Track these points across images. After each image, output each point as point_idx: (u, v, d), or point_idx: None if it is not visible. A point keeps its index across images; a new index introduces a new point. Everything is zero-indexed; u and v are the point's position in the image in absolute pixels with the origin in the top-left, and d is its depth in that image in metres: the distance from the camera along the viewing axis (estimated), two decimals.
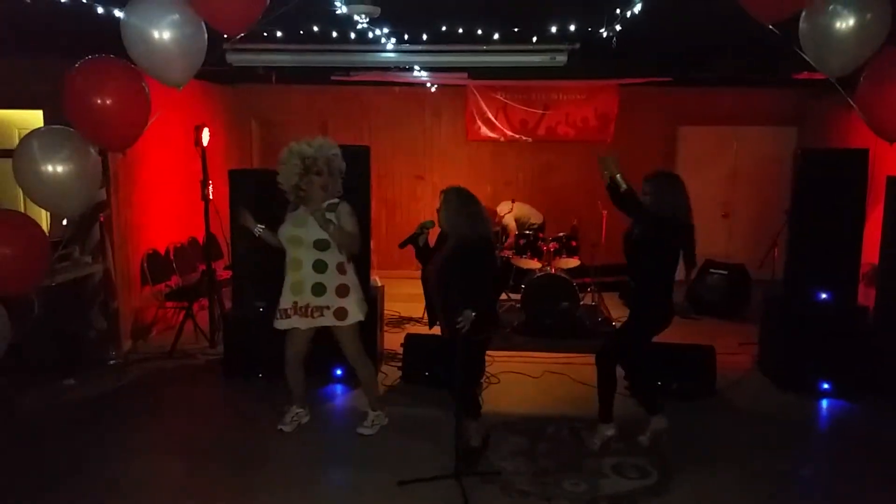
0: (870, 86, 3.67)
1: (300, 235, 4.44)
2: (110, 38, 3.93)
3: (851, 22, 3.33)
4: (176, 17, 3.33)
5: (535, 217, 8.87)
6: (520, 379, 5.88)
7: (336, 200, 4.51)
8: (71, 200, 3.51)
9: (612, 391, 4.55)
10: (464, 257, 4.03)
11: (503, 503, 3.89)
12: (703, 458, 4.43)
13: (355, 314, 4.54)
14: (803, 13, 3.47)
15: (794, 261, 5.76)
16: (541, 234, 7.78)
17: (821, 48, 3.48)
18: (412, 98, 9.61)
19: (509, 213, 8.50)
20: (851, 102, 3.80)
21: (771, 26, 3.51)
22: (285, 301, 4.51)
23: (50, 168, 3.37)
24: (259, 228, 4.66)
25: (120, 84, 3.44)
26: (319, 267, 4.44)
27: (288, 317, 4.51)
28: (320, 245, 4.41)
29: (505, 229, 8.39)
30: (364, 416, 4.82)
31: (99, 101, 3.37)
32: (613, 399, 4.56)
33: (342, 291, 4.49)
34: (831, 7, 3.37)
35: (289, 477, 4.17)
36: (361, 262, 5.63)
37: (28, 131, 6.44)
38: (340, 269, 4.50)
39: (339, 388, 5.59)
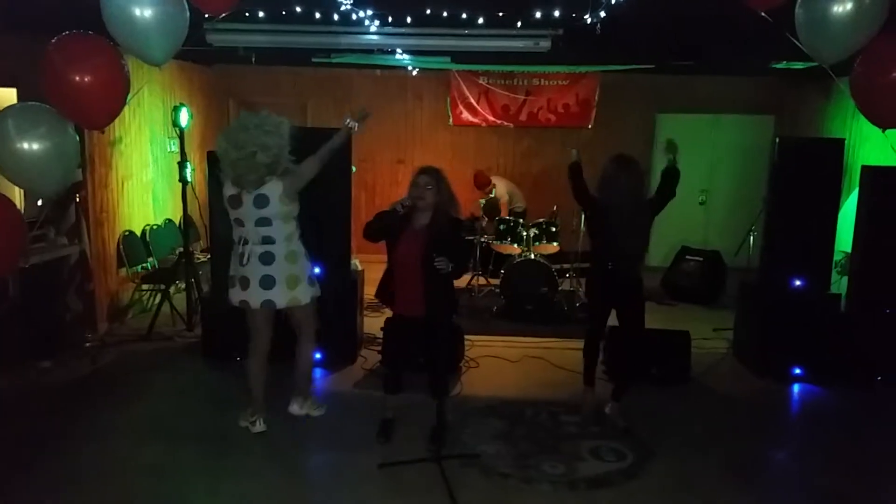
0: (864, 73, 3.70)
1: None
2: (87, 15, 3.86)
3: (847, 9, 3.35)
4: None
5: (521, 202, 8.94)
6: (499, 363, 5.92)
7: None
8: (48, 179, 3.43)
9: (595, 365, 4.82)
10: (453, 234, 4.15)
11: (483, 485, 3.93)
12: (678, 443, 4.50)
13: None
14: (798, 0, 3.48)
15: (770, 248, 5.85)
16: (521, 221, 7.80)
17: (815, 35, 3.50)
18: (394, 82, 9.56)
19: (501, 184, 8.66)
20: (845, 89, 3.84)
21: (763, 13, 3.53)
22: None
23: (26, 146, 3.29)
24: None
25: (99, 61, 3.36)
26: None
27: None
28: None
29: (494, 201, 8.39)
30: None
31: (77, 79, 3.29)
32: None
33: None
34: None
35: (269, 459, 4.17)
36: (342, 244, 5.66)
37: (1, 108, 6.41)
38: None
39: (318, 372, 5.58)
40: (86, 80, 3.31)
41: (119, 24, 3.28)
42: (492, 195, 8.48)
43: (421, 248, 4.07)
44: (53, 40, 3.36)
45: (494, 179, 8.80)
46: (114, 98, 3.50)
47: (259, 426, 4.45)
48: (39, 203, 5.49)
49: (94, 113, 3.52)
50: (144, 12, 3.25)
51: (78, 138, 3.52)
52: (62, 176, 3.50)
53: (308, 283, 4.36)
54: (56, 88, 3.36)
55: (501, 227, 7.76)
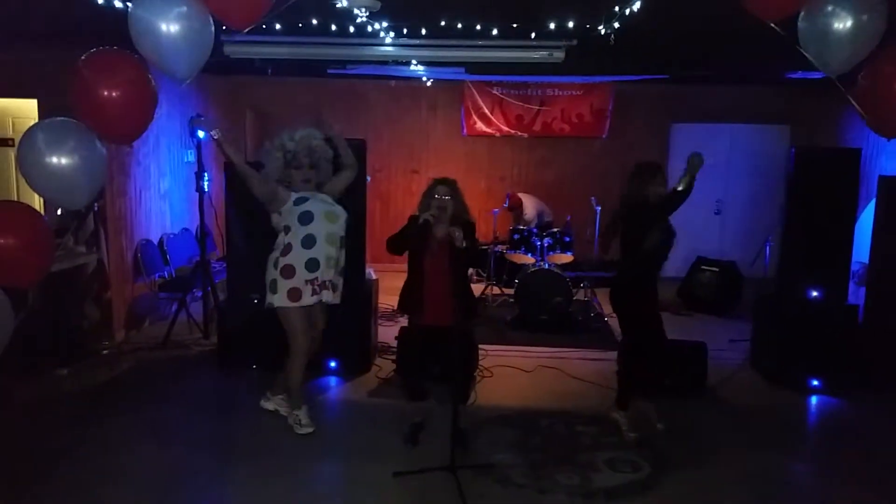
0: (869, 83, 3.70)
1: (335, 212, 4.48)
2: (108, 28, 3.92)
3: (849, 21, 3.36)
4: (184, 9, 3.30)
5: (549, 216, 8.98)
6: (513, 373, 5.91)
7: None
8: (76, 193, 3.49)
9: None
10: (469, 237, 4.28)
11: (498, 495, 3.91)
12: (694, 454, 4.47)
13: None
14: (801, 12, 3.49)
15: (786, 259, 5.81)
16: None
17: (820, 46, 3.50)
18: (408, 92, 9.62)
19: (530, 205, 8.75)
20: (851, 99, 3.84)
21: (773, 24, 3.53)
22: (322, 275, 4.41)
23: (55, 160, 3.36)
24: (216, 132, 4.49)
25: (128, 77, 3.42)
26: (343, 244, 4.51)
27: (317, 293, 4.44)
28: (348, 222, 4.53)
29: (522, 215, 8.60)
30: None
31: (106, 94, 3.35)
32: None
33: (340, 271, 4.59)
34: (830, 7, 3.40)
35: (283, 467, 4.18)
36: (356, 253, 5.68)
37: (22, 119, 6.50)
38: (342, 245, 4.57)
39: (332, 381, 5.60)
40: (114, 95, 3.36)
41: (146, 39, 3.31)
42: (525, 216, 8.54)
43: (447, 257, 4.19)
44: (83, 56, 3.42)
45: (523, 199, 8.82)
46: (142, 113, 3.56)
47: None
48: (59, 212, 5.57)
49: (123, 129, 3.57)
50: (171, 28, 3.28)
51: (105, 152, 3.57)
52: (89, 189, 3.55)
53: (269, 290, 4.49)
54: (85, 104, 3.41)
55: (516, 237, 7.77)
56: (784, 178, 6.31)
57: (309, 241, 4.36)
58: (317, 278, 4.39)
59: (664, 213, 4.49)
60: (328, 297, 4.48)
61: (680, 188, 4.41)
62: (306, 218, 4.37)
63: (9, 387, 5.18)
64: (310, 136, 4.52)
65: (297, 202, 4.43)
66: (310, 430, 4.57)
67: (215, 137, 4.44)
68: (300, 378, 4.61)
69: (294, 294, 4.39)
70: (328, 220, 4.42)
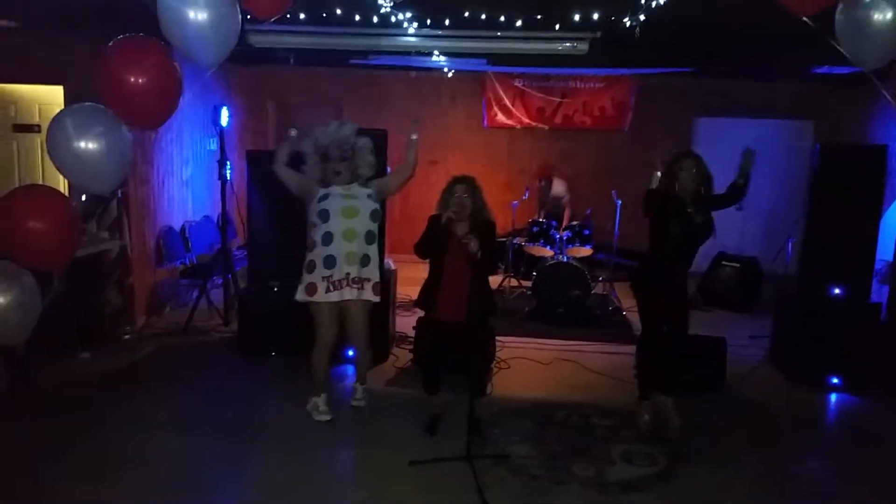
0: None
1: (355, 206, 4.46)
2: (132, 14, 3.95)
3: (891, 13, 3.30)
4: None
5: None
6: (530, 365, 5.92)
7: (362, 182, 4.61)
8: (103, 177, 3.54)
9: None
10: (489, 236, 4.34)
11: (513, 485, 3.94)
12: (712, 449, 4.46)
13: (378, 292, 4.62)
14: (840, 5, 3.43)
15: (809, 255, 5.75)
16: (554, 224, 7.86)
17: (857, 40, 3.44)
18: (428, 83, 9.60)
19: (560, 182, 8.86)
20: (886, 94, 3.78)
21: (805, 18, 3.48)
22: (337, 273, 4.42)
23: (83, 145, 3.41)
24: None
25: (155, 63, 3.46)
26: (370, 239, 4.52)
27: (332, 290, 4.45)
28: (374, 216, 4.52)
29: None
30: (353, 390, 4.90)
31: (133, 80, 3.39)
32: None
33: (379, 268, 4.62)
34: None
35: (300, 454, 4.22)
36: (378, 244, 5.71)
37: (48, 106, 6.58)
38: (379, 247, 4.63)
39: (349, 369, 5.63)
40: (141, 81, 3.41)
41: (174, 26, 3.35)
42: (553, 191, 8.67)
43: (465, 255, 4.20)
44: (111, 43, 3.46)
45: (555, 177, 8.88)
46: (169, 99, 3.60)
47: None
48: (83, 198, 5.64)
49: (149, 114, 3.62)
50: (199, 16, 3.31)
51: (131, 137, 3.62)
52: (117, 174, 3.61)
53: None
54: (113, 90, 3.45)
55: (535, 229, 7.76)
56: (808, 174, 6.24)
57: (327, 238, 4.41)
58: (331, 276, 4.41)
59: (698, 205, 4.45)
60: (352, 294, 4.46)
61: (740, 182, 4.49)
62: (325, 215, 4.42)
63: (32, 369, 5.27)
64: (341, 128, 4.55)
65: (321, 199, 4.47)
66: (327, 417, 4.62)
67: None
68: (320, 369, 4.65)
69: (311, 289, 4.45)
70: (345, 216, 4.42)
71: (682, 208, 4.43)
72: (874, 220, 5.56)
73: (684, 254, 4.51)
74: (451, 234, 4.30)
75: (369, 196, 4.55)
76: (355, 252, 4.43)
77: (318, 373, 4.66)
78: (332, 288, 4.43)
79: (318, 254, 4.43)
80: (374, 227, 4.53)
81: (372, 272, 4.53)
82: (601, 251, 7.97)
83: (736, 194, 4.51)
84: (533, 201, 8.96)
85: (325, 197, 4.46)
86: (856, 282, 5.56)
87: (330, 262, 4.40)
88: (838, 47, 3.54)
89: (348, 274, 4.42)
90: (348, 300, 4.48)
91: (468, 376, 4.39)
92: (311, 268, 4.45)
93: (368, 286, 4.52)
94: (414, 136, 4.60)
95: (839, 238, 5.50)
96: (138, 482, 3.87)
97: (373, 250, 4.55)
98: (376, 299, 4.59)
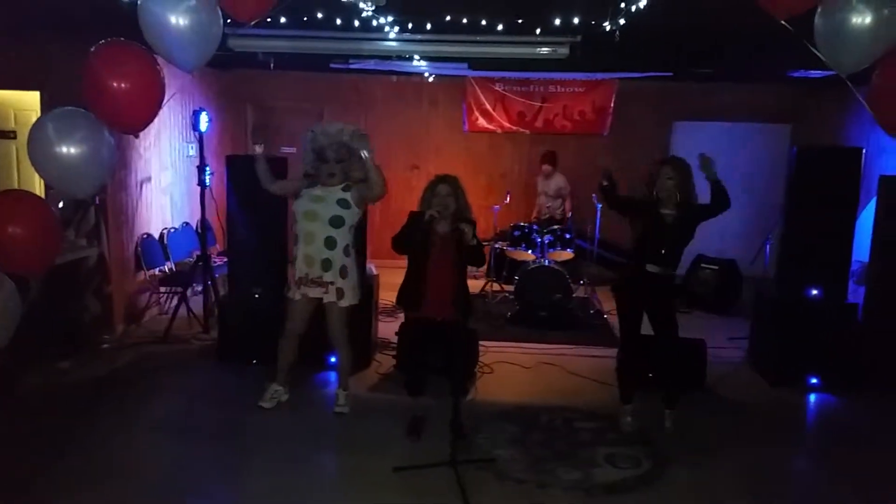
0: (882, 83, 3.67)
1: (317, 210, 4.55)
2: (112, 18, 3.92)
3: (869, 17, 3.33)
4: (193, 2, 3.32)
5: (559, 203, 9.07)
6: (513, 369, 5.93)
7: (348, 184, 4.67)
8: (84, 182, 3.52)
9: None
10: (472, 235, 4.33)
11: (498, 490, 3.93)
12: (694, 451, 4.49)
13: (350, 298, 4.68)
14: (818, 9, 3.47)
15: (786, 257, 5.82)
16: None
17: (835, 45, 3.47)
18: (409, 88, 9.59)
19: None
20: (861, 99, 3.82)
21: (783, 22, 3.51)
22: (298, 272, 4.66)
23: (65, 149, 3.39)
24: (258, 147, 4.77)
25: (138, 68, 3.45)
26: (330, 244, 4.55)
27: (298, 287, 4.67)
28: (335, 222, 4.54)
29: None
30: (336, 396, 4.93)
31: (116, 85, 3.37)
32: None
33: (344, 273, 4.63)
34: (848, 3, 3.37)
35: (284, 460, 4.19)
36: (358, 249, 5.68)
37: (24, 112, 6.48)
38: (346, 252, 4.63)
39: (332, 376, 5.59)
40: (124, 86, 3.40)
41: (155, 31, 3.34)
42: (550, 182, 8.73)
43: (449, 253, 4.25)
44: (94, 47, 3.44)
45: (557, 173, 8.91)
46: (151, 104, 3.59)
47: (283, 396, 4.94)
48: (60, 205, 5.57)
49: (132, 118, 3.60)
50: (180, 20, 3.30)
51: (113, 141, 3.60)
52: (98, 178, 3.60)
53: None
54: (95, 94, 3.43)
55: (516, 234, 7.77)
56: (785, 177, 6.31)
57: (297, 239, 4.66)
58: (296, 274, 4.65)
59: (679, 209, 4.53)
60: (317, 293, 4.63)
61: (713, 185, 4.58)
62: (295, 216, 4.66)
63: (11, 378, 5.18)
64: (341, 132, 4.63)
65: (297, 199, 4.65)
66: (267, 406, 4.79)
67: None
68: (282, 356, 4.85)
69: (291, 284, 4.72)
70: (306, 219, 4.58)
71: (655, 209, 4.53)
72: (850, 221, 5.64)
73: (661, 256, 4.54)
74: (433, 232, 4.31)
75: (341, 201, 4.57)
76: (312, 255, 4.57)
77: (280, 360, 4.85)
78: (299, 285, 4.64)
79: (295, 252, 4.66)
80: (335, 232, 4.56)
81: (334, 276, 4.60)
82: (581, 239, 8.09)
83: (718, 198, 4.54)
84: (514, 203, 8.96)
85: (299, 197, 4.64)
86: (833, 283, 5.64)
87: (297, 261, 4.63)
88: (816, 52, 3.57)
89: (307, 274, 4.60)
90: (317, 298, 4.67)
91: (451, 378, 4.39)
92: (294, 264, 4.69)
93: (332, 289, 4.60)
94: (364, 153, 4.54)
95: (816, 240, 5.57)
96: (124, 492, 3.81)
97: (335, 255, 4.58)
98: (343, 304, 4.65)
